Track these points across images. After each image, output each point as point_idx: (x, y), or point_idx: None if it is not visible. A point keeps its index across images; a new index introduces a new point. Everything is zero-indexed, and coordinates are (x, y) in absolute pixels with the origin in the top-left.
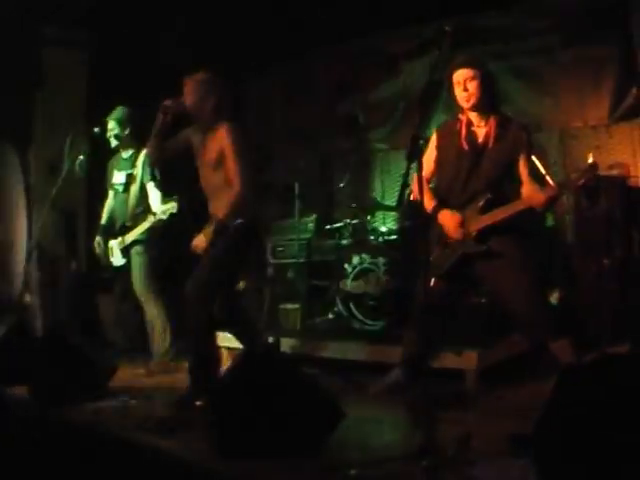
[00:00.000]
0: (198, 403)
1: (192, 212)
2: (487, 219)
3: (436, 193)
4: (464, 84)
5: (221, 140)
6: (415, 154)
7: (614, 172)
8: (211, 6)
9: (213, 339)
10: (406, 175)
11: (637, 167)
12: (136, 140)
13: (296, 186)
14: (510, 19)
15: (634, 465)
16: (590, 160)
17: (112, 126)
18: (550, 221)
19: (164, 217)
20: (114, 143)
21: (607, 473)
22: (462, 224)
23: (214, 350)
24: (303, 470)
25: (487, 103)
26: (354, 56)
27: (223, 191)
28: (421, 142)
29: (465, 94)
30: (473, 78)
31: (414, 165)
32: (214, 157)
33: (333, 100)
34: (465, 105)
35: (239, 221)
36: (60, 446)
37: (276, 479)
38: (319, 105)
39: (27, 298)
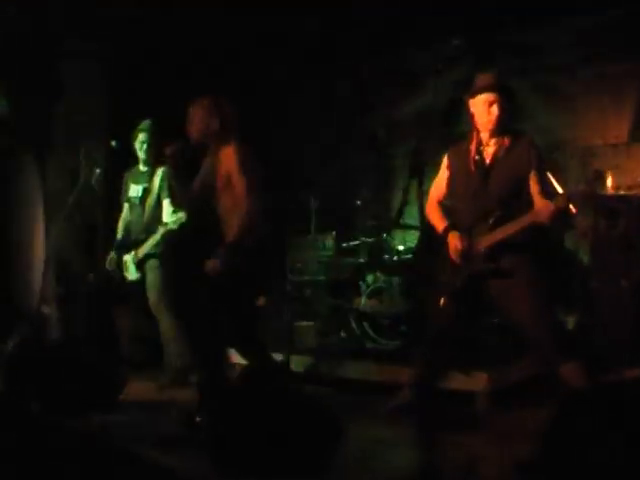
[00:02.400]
0: (198, 419)
1: (208, 229)
2: (496, 235)
3: (448, 213)
4: (487, 108)
5: (227, 161)
6: (415, 171)
7: (634, 192)
8: (233, 22)
9: (222, 356)
10: (406, 192)
11: None
12: (155, 154)
13: (313, 203)
14: (531, 35)
15: None
16: (608, 180)
17: (144, 137)
18: (568, 242)
19: (174, 227)
20: (142, 155)
21: None
22: (468, 249)
23: (223, 367)
24: None
25: (502, 124)
26: (377, 73)
27: (233, 212)
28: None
29: (487, 118)
30: (495, 102)
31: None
32: (222, 179)
33: (355, 117)
34: (487, 127)
35: (250, 243)
36: (63, 456)
37: None
38: (341, 122)
39: (45, 309)
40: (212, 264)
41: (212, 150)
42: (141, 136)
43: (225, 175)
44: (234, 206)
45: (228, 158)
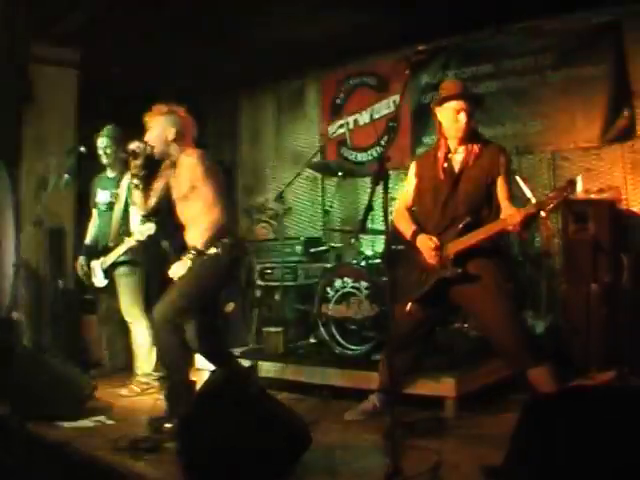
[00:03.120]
0: (167, 426)
1: (176, 235)
2: (465, 241)
3: (416, 220)
4: (454, 116)
5: (189, 169)
6: (381, 176)
7: (604, 195)
8: (201, 27)
9: (187, 362)
10: (371, 197)
11: (627, 190)
12: (123, 162)
13: (281, 208)
14: (502, 39)
15: None
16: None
17: (105, 143)
18: (537, 245)
19: (142, 238)
20: (105, 160)
21: None
22: (439, 249)
23: (187, 374)
24: None
25: (470, 131)
26: (345, 77)
27: (198, 220)
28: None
29: (455, 126)
30: (463, 110)
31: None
32: (185, 188)
33: (324, 121)
34: (455, 135)
35: (215, 250)
36: (33, 462)
37: None
38: (310, 126)
39: (14, 315)
40: (177, 269)
41: (171, 158)
42: (100, 141)
43: (188, 184)
44: (198, 214)
45: (191, 167)
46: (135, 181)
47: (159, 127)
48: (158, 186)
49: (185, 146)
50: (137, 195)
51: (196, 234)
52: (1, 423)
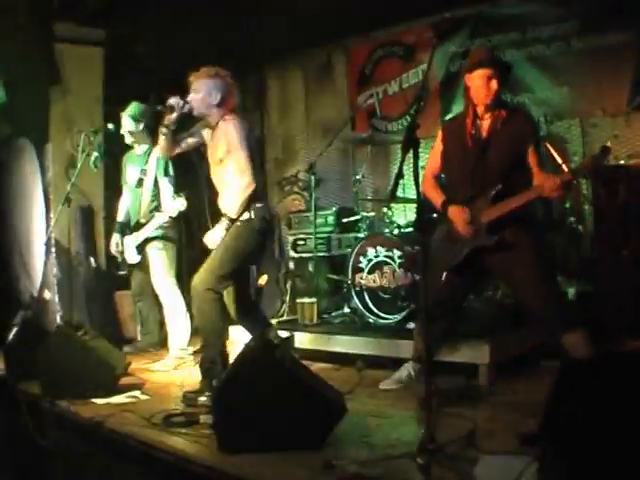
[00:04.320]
0: (202, 399)
1: (209, 207)
2: (498, 209)
3: (445, 187)
4: (485, 82)
5: (226, 135)
6: (411, 143)
7: (633, 161)
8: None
9: (224, 334)
10: (401, 165)
11: None
12: (150, 136)
13: (313, 179)
14: (527, 7)
15: (635, 462)
16: (608, 144)
17: (126, 122)
18: (568, 212)
19: (173, 214)
20: (129, 139)
21: (608, 471)
22: (471, 219)
23: (224, 345)
24: (304, 465)
25: (498, 98)
26: (373, 47)
27: (230, 186)
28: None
29: (485, 93)
30: (493, 77)
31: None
32: (221, 152)
33: (352, 92)
34: (484, 102)
35: (247, 216)
36: (68, 440)
37: (277, 475)
38: (338, 97)
39: (46, 294)
40: (211, 237)
41: (211, 122)
42: (124, 120)
43: (223, 148)
44: (230, 179)
45: (227, 132)
46: (164, 130)
47: (204, 89)
48: (191, 142)
49: (226, 111)
50: (162, 140)
51: (229, 199)
52: (34, 402)
